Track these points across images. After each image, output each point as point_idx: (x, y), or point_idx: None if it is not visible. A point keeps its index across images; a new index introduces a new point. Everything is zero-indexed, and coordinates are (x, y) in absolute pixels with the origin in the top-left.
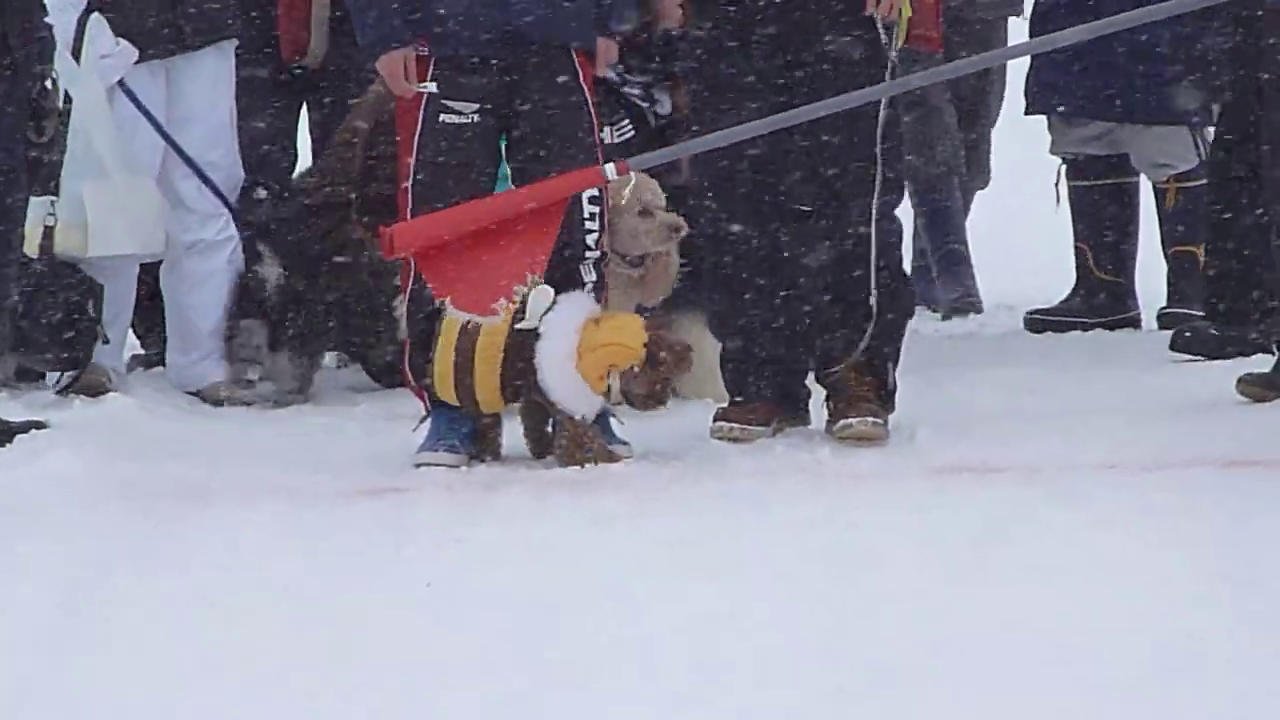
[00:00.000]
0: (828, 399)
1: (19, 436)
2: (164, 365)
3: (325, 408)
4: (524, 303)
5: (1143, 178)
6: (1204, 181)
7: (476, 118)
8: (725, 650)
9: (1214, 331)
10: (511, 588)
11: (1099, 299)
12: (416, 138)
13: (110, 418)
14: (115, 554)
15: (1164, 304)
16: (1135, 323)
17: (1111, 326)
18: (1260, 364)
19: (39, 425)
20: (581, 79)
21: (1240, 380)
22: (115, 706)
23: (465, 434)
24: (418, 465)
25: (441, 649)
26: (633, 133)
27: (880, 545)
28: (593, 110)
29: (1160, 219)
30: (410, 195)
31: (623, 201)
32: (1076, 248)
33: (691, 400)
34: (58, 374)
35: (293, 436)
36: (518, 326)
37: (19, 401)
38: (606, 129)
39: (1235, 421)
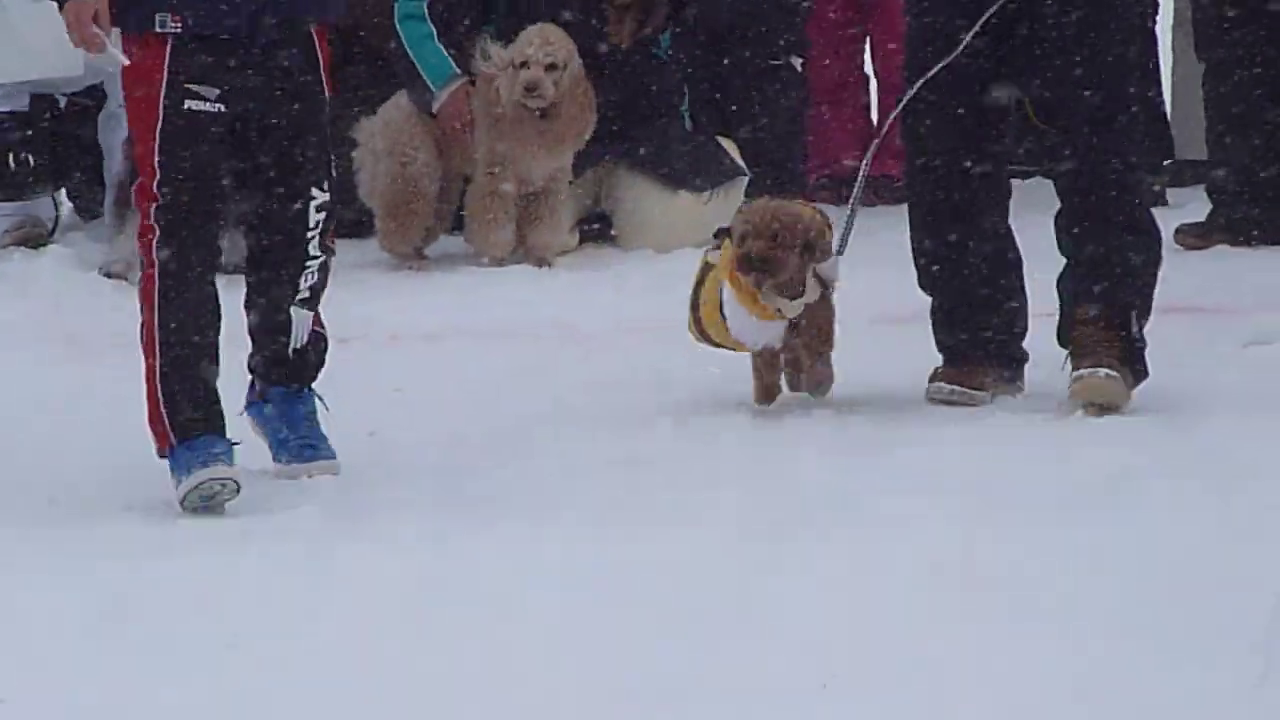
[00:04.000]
0: (1068, 357)
1: None
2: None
3: None
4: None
5: None
6: None
7: (222, 107)
8: (647, 487)
9: None
10: (447, 433)
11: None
12: (158, 130)
13: (50, 269)
14: (53, 399)
15: None
16: None
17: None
18: (1194, 213)
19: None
20: (321, 61)
21: (1177, 230)
22: (45, 547)
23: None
24: (198, 485)
25: (378, 488)
26: None
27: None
28: (327, 94)
29: None
30: (154, 207)
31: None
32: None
33: (631, 250)
34: None
35: (232, 287)
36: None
37: None
38: None
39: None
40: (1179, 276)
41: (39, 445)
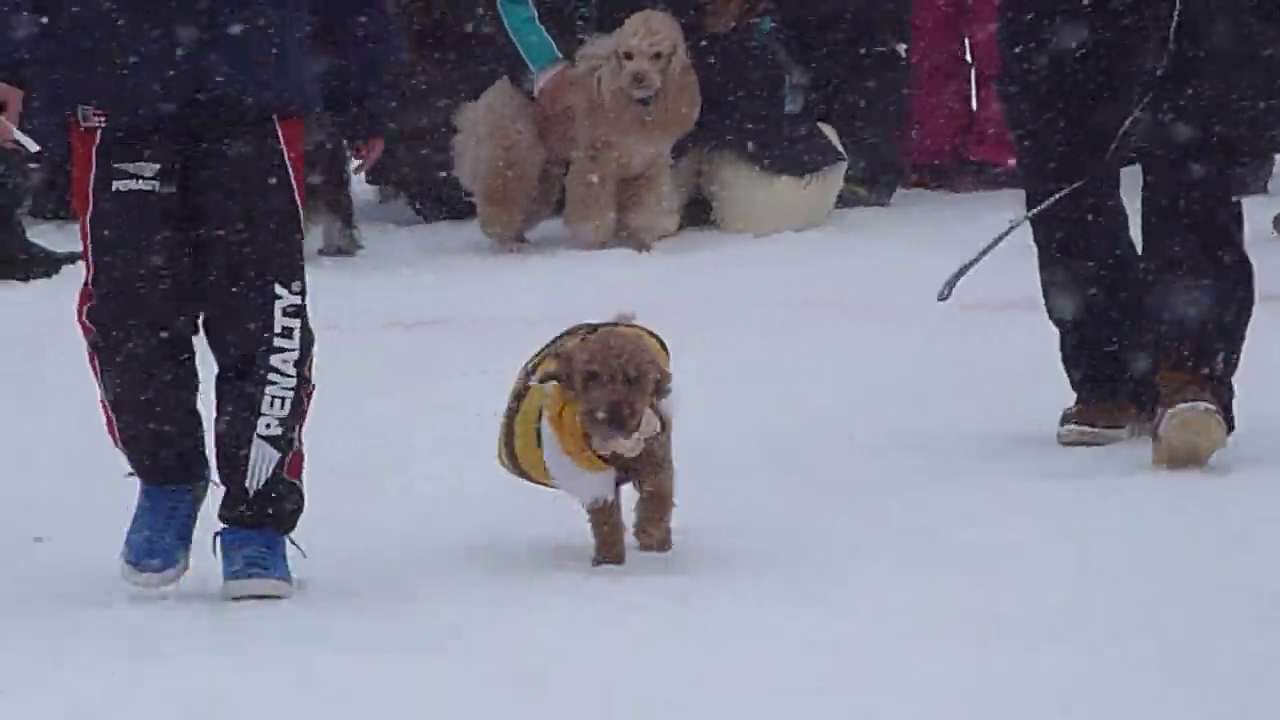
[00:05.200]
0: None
1: (65, 266)
2: None
3: (367, 240)
4: None
5: None
6: None
7: (159, 185)
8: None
9: None
10: None
11: None
12: (89, 216)
13: None
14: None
15: None
16: None
17: None
18: None
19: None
20: (286, 155)
21: (1276, 218)
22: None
23: (175, 533)
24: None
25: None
26: None
27: None
28: (296, 191)
29: None
30: (89, 307)
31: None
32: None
33: (730, 233)
34: None
35: (330, 270)
36: None
37: (64, 233)
38: None
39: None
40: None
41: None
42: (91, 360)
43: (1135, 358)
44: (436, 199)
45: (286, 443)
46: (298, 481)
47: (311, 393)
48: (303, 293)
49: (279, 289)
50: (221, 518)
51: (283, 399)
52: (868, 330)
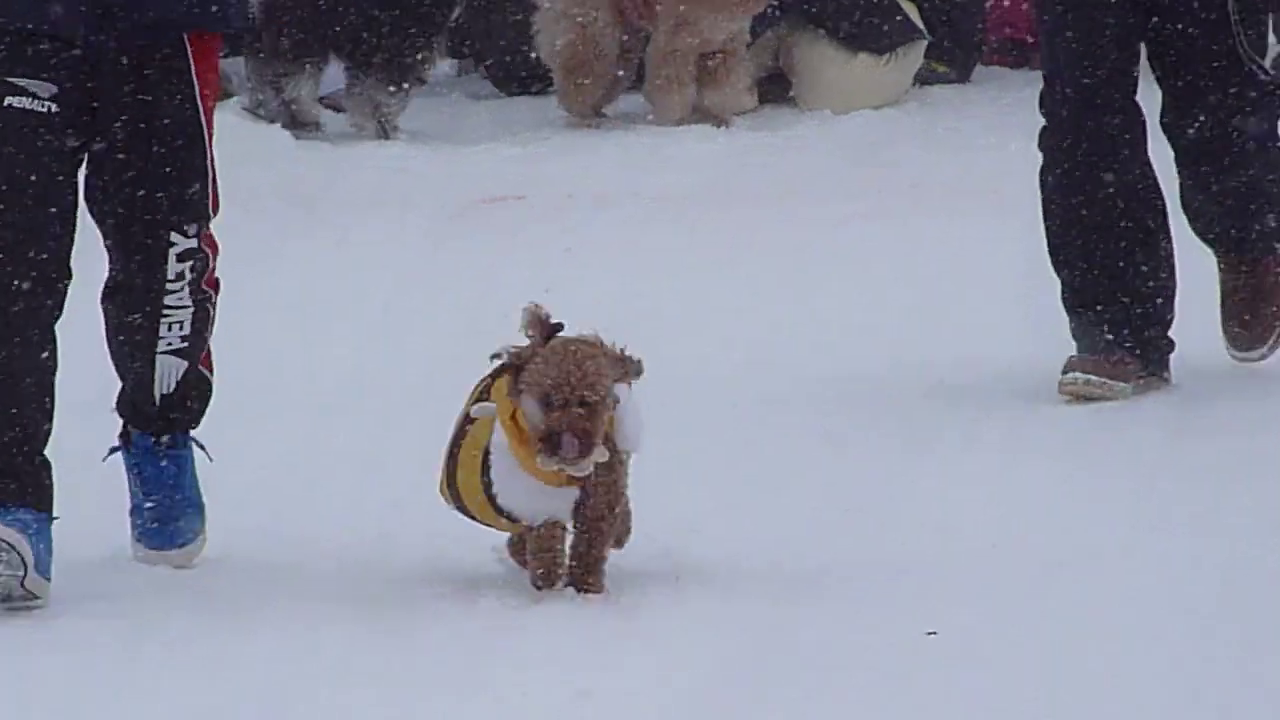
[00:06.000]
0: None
1: None
2: None
3: (443, 115)
4: None
5: None
6: None
7: (55, 106)
8: None
9: None
10: (615, 289)
11: None
12: None
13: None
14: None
15: None
16: None
17: None
18: None
19: None
20: (194, 75)
21: None
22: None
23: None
24: None
25: None
26: None
27: None
28: (205, 116)
29: None
30: None
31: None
32: None
33: (808, 110)
34: None
35: (407, 146)
36: None
37: None
38: None
39: None
40: None
41: None
42: None
43: (1145, 310)
44: (514, 73)
45: (192, 351)
46: (207, 372)
47: (216, 299)
48: (199, 233)
49: (175, 236)
50: (121, 416)
51: (181, 322)
52: (938, 222)
